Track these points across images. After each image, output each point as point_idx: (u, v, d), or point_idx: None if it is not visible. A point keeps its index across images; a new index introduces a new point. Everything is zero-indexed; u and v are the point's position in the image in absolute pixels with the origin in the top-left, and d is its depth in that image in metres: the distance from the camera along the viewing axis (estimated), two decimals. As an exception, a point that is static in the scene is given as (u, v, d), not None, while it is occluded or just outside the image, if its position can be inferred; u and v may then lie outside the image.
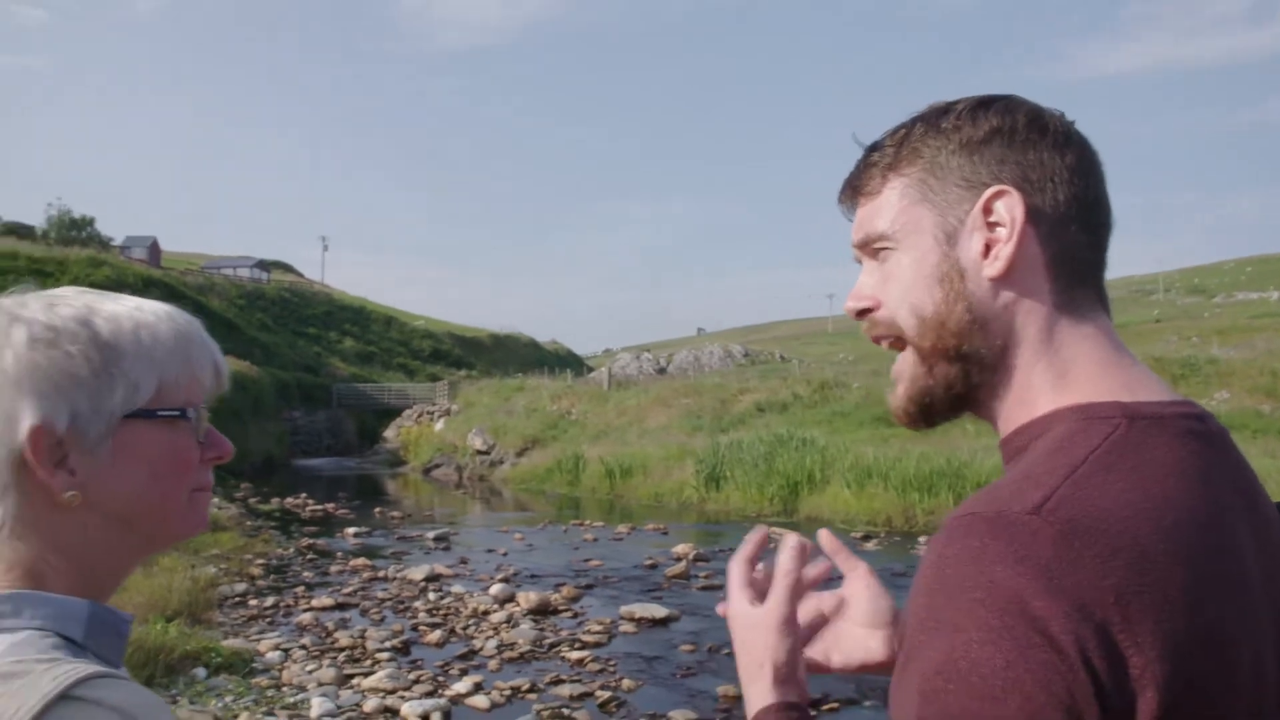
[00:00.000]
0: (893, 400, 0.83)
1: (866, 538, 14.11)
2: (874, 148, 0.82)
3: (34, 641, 0.72)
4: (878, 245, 0.80)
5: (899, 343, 0.80)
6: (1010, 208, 0.74)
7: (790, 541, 0.87)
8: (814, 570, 0.90)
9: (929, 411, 0.80)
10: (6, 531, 0.75)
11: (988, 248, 0.75)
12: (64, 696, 0.66)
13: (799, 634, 0.85)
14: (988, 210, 0.75)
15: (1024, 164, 0.75)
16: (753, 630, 0.84)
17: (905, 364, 0.81)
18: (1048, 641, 0.59)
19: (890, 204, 0.79)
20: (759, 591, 0.87)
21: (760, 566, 0.90)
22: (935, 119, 0.78)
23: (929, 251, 0.77)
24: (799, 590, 0.86)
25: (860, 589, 0.92)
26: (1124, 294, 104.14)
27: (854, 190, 0.82)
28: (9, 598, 0.74)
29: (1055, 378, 0.74)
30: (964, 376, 0.77)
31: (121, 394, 0.78)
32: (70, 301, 0.80)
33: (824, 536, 0.94)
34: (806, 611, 0.92)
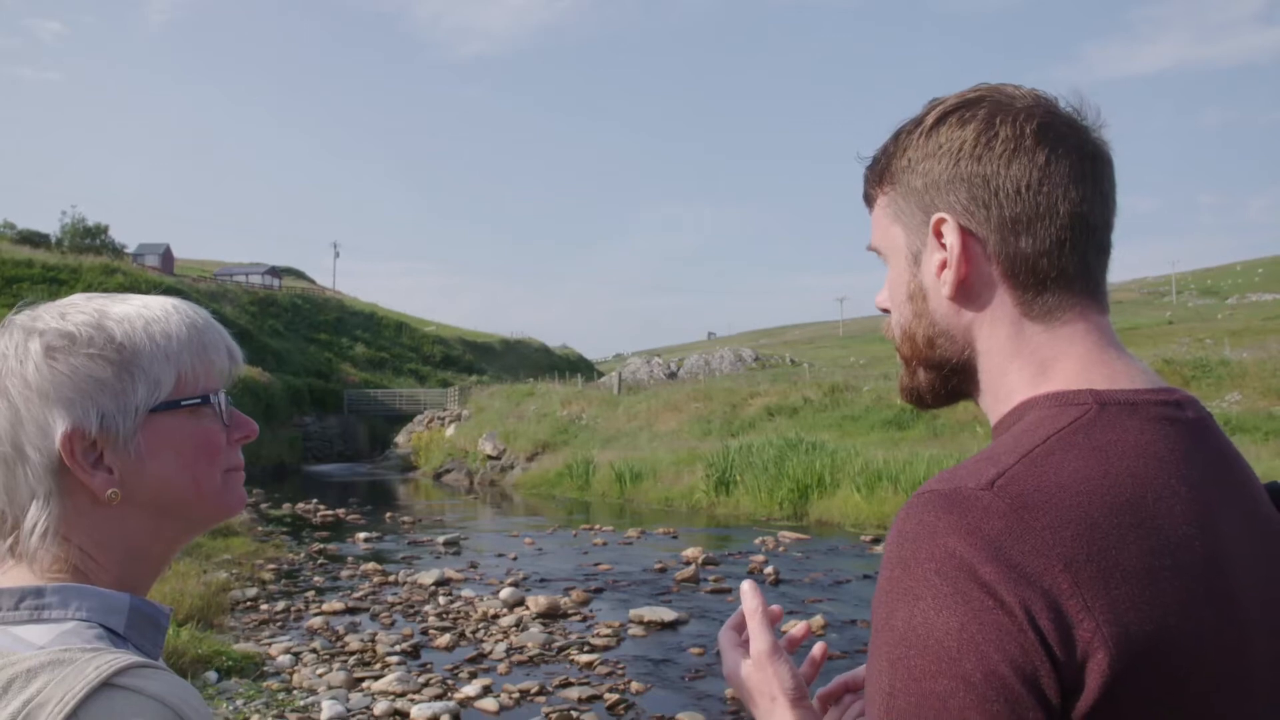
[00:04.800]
0: (898, 384, 0.91)
1: (876, 541, 14.02)
2: (869, 162, 0.87)
3: (79, 631, 0.75)
4: (878, 255, 0.87)
5: None
6: (950, 234, 0.78)
7: (746, 586, 0.94)
8: (776, 607, 0.95)
9: (921, 402, 0.87)
10: (52, 533, 0.79)
11: (943, 268, 0.79)
12: (107, 684, 0.69)
13: (792, 662, 0.88)
14: (937, 234, 0.79)
15: (971, 181, 0.77)
16: (752, 674, 0.88)
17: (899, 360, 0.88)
18: (998, 604, 0.62)
19: (877, 220, 0.86)
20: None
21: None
22: (906, 134, 0.82)
23: (902, 270, 0.84)
24: (772, 621, 0.91)
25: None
26: (1136, 296, 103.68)
27: (865, 198, 0.89)
28: (57, 590, 0.77)
29: (1033, 375, 0.77)
30: (941, 380, 0.84)
31: (144, 390, 0.82)
32: (81, 308, 0.83)
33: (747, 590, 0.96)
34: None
